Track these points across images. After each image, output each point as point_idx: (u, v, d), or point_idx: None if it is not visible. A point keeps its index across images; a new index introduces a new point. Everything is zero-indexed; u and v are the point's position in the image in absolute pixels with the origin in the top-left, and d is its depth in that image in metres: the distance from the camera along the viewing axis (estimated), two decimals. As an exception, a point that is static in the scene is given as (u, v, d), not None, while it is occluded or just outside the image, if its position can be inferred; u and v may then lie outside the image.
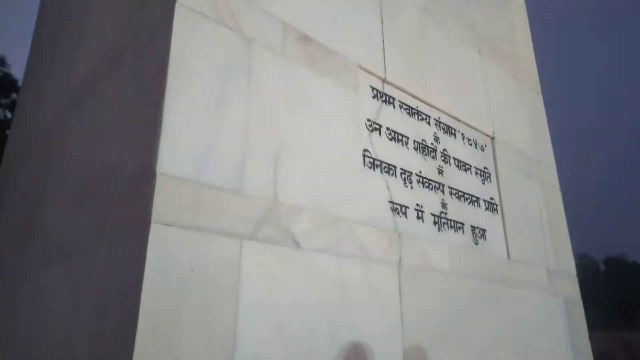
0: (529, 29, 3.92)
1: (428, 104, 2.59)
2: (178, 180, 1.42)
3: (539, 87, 3.76)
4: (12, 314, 2.02)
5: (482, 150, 2.91)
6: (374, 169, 2.15)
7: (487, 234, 2.68)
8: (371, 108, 2.25)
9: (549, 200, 3.33)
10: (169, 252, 1.34)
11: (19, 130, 2.87)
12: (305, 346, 1.62)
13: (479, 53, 3.16)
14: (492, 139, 3.00)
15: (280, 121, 1.79)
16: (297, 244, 1.69)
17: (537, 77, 3.78)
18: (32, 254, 2.07)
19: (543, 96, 3.83)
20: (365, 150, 2.13)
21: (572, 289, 3.18)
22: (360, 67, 2.24)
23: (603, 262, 24.09)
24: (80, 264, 1.67)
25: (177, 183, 1.41)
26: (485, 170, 2.87)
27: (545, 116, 3.69)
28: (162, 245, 1.32)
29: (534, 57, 3.84)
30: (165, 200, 1.37)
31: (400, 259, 2.07)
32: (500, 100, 3.20)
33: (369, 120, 2.21)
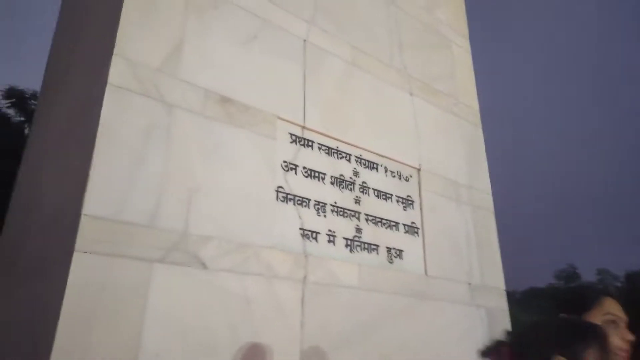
0: (471, 67, 4.34)
1: (348, 144, 3.05)
2: (99, 219, 1.92)
3: (479, 119, 4.16)
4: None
5: (407, 180, 3.34)
6: (287, 202, 2.61)
7: (403, 254, 3.10)
8: (288, 151, 2.72)
9: (480, 222, 3.72)
10: (88, 273, 1.83)
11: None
12: (206, 346, 2.08)
13: (410, 94, 3.61)
14: (419, 170, 3.42)
15: (195, 169, 2.29)
16: (203, 265, 2.17)
17: (477, 110, 4.18)
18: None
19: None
20: (279, 187, 2.60)
21: (498, 301, 3.55)
22: (279, 118, 2.72)
23: (625, 277, 23.65)
24: (34, 277, 2.18)
25: (98, 221, 1.91)
26: (409, 198, 3.29)
27: (483, 145, 4.08)
28: (82, 268, 1.82)
29: (475, 93, 4.25)
30: (87, 235, 1.87)
31: (305, 276, 2.52)
32: (431, 134, 3.63)
33: (285, 161, 2.68)
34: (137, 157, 2.11)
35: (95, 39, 2.55)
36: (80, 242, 1.85)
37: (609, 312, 1.60)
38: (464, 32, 4.44)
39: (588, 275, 24.53)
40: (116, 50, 2.18)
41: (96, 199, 1.94)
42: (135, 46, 2.26)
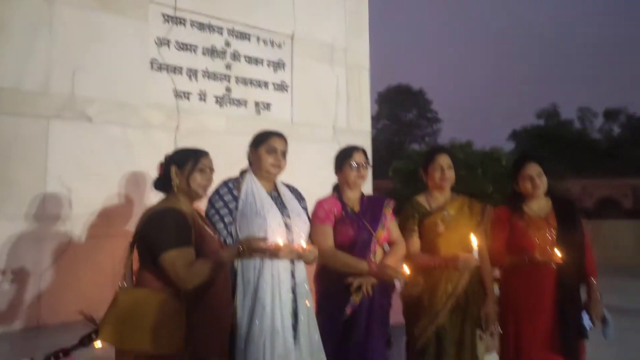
0: None
1: (220, 19, 3.76)
2: (5, 89, 2.83)
3: (363, -15, 4.70)
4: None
5: (279, 47, 4.10)
6: (160, 71, 3.46)
7: (271, 106, 4.01)
8: (161, 30, 3.48)
9: (353, 78, 4.54)
10: (1, 127, 2.81)
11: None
12: (97, 173, 3.13)
13: (288, -33, 4.16)
14: (292, 37, 4.16)
15: (76, 51, 3.11)
16: (90, 120, 3.12)
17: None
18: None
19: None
20: (153, 59, 3.43)
21: (361, 140, 4.50)
22: (151, 2, 3.43)
23: (603, 114, 24.41)
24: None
25: (4, 90, 2.83)
26: (280, 61, 4.09)
27: (365, 9, 4.70)
28: (-4, 123, 2.79)
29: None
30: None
31: (177, 125, 3.48)
32: (308, 4, 4.26)
33: (158, 37, 3.46)
34: (28, 42, 2.94)
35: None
36: (-7, 105, 2.80)
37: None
38: None
39: (569, 114, 25.43)
40: (0, -41, 2.87)
41: (3, 76, 2.83)
42: (16, -46, 2.93)
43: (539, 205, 2.37)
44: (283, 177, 2.35)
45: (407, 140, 32.08)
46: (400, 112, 34.89)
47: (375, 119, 34.58)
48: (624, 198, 23.73)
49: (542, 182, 2.32)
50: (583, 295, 2.34)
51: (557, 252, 2.13)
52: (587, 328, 2.27)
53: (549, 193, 2.39)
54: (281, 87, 4.08)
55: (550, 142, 22.37)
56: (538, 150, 22.45)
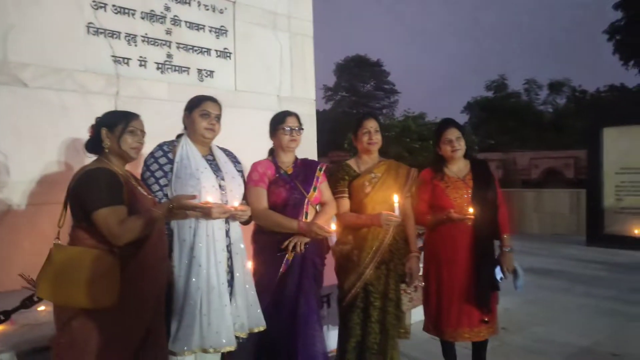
0: None
1: (160, -16, 3.72)
2: None
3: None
4: None
5: (221, 12, 4.09)
6: (98, 35, 3.41)
7: (214, 74, 4.02)
8: (97, -7, 3.42)
9: (297, 46, 4.59)
10: None
11: None
12: (36, 141, 3.09)
13: None
14: (234, 2, 4.15)
15: (9, 13, 3.02)
16: (24, 85, 3.07)
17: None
18: None
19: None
20: (89, 23, 3.37)
21: (306, 109, 4.59)
22: (85, -36, 3.35)
23: (547, 86, 25.38)
24: None
25: None
26: (222, 28, 4.08)
27: (309, -22, 4.72)
28: None
29: None
30: None
31: (117, 92, 3.46)
32: (250, -31, 4.25)
33: (94, 1, 3.40)
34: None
35: None
36: None
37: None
38: None
39: (516, 85, 26.28)
40: None
41: None
42: None
43: (459, 167, 2.55)
44: (227, 144, 2.47)
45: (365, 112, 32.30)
46: (358, 84, 34.94)
47: (333, 91, 34.65)
48: (567, 169, 24.93)
49: (461, 145, 2.50)
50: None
51: (470, 210, 2.33)
52: (499, 280, 2.49)
53: (468, 156, 2.58)
54: (224, 54, 4.09)
55: (498, 114, 23.07)
56: (488, 123, 23.14)
